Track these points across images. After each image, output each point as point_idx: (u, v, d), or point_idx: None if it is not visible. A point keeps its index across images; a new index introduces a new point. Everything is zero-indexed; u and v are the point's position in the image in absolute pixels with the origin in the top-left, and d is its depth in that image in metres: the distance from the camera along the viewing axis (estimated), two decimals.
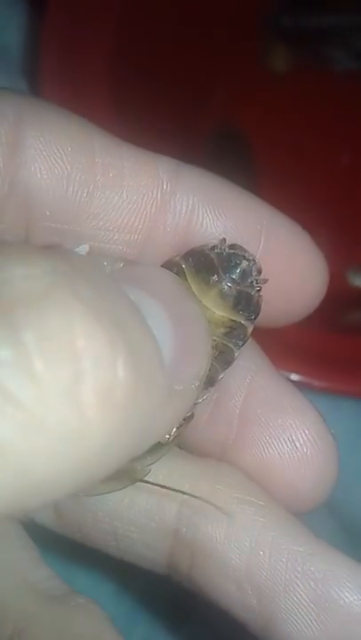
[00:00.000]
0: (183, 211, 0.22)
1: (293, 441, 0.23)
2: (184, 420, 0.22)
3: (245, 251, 0.22)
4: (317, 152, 0.53)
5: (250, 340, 0.24)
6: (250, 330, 0.23)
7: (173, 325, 0.18)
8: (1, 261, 0.14)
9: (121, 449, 0.15)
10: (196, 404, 0.22)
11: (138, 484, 0.22)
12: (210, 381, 0.22)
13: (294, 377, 0.40)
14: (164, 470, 0.23)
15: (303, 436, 0.23)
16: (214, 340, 0.22)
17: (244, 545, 0.22)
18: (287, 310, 0.24)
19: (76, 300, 0.14)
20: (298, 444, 0.23)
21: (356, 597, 0.21)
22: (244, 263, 0.22)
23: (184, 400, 0.19)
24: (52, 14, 0.43)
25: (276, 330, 0.24)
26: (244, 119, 0.54)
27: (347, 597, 0.21)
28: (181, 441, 0.24)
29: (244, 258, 0.22)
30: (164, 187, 0.22)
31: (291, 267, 0.23)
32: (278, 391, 0.23)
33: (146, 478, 0.22)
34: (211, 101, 0.54)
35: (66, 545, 0.26)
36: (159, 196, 0.22)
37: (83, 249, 0.20)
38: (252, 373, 0.24)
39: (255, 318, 0.22)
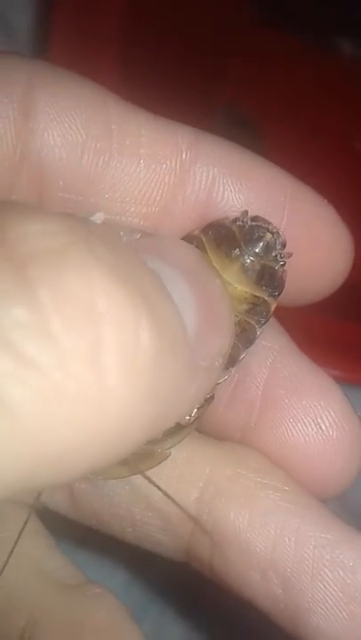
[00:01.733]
0: (203, 181, 0.21)
1: (319, 423, 0.22)
2: (205, 400, 0.21)
3: (269, 223, 0.21)
4: (330, 137, 0.52)
5: (272, 319, 0.23)
6: (273, 306, 0.22)
7: (196, 299, 0.17)
8: (15, 218, 0.13)
9: (143, 422, 0.14)
10: (217, 384, 0.21)
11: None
12: (231, 360, 0.21)
13: None
14: (183, 454, 0.22)
15: (329, 418, 0.22)
16: (236, 317, 0.21)
17: (268, 532, 0.21)
18: (311, 287, 0.23)
19: (94, 260, 0.13)
20: (323, 427, 0.22)
21: None
22: (268, 236, 0.21)
23: (208, 377, 0.17)
24: None
25: (288, 317, 0.24)
26: (255, 104, 0.53)
27: None
28: (201, 423, 0.23)
29: (268, 230, 0.21)
30: (184, 156, 0.21)
31: (316, 240, 0.22)
32: (302, 372, 0.22)
33: (164, 463, 0.21)
34: (220, 85, 0.53)
35: (77, 534, 0.25)
36: (178, 166, 0.21)
37: (98, 217, 0.19)
38: (274, 353, 0.22)
39: (279, 294, 0.21)
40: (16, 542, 0.21)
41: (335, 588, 0.20)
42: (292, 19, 0.54)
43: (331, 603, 0.20)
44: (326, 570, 0.20)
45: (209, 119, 0.51)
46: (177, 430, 0.21)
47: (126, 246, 0.16)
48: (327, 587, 0.20)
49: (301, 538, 0.20)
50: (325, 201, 0.23)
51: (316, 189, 0.24)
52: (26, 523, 0.21)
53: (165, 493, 0.20)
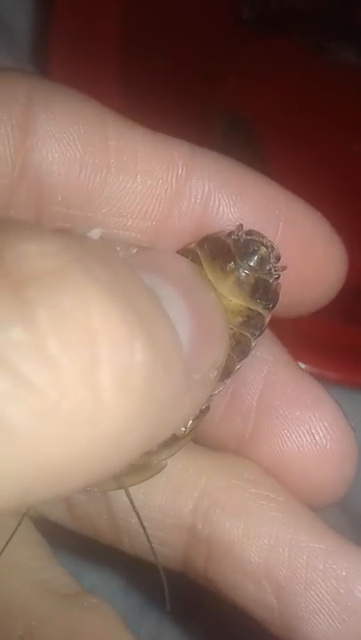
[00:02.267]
0: (199, 196, 0.21)
1: (313, 434, 0.22)
2: (200, 412, 0.22)
3: (263, 237, 0.21)
4: (328, 140, 0.52)
5: (267, 331, 0.23)
6: (267, 319, 0.22)
7: (190, 312, 0.18)
8: (12, 238, 0.14)
9: (138, 436, 0.14)
10: (212, 395, 0.22)
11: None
12: (226, 372, 0.22)
13: (307, 369, 0.39)
14: (179, 465, 0.22)
15: (322, 429, 0.22)
16: (231, 329, 0.21)
17: (262, 542, 0.21)
18: (305, 299, 0.23)
19: (90, 280, 0.14)
20: (317, 438, 0.22)
21: None
22: (263, 250, 0.21)
23: (202, 390, 0.18)
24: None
25: (288, 320, 0.24)
26: (253, 109, 0.53)
27: None
28: (197, 434, 0.23)
29: (262, 244, 0.21)
30: (180, 171, 0.21)
31: (310, 254, 0.22)
32: (297, 383, 0.22)
33: (160, 474, 0.22)
34: (218, 92, 0.53)
35: (75, 541, 0.25)
36: (174, 181, 0.21)
37: (95, 233, 0.19)
38: (269, 364, 0.23)
39: (273, 307, 0.22)
40: (3, 548, 0.21)
41: (328, 597, 0.20)
42: (292, 25, 0.54)
43: (324, 612, 0.20)
44: (319, 580, 0.20)
45: (208, 124, 0.51)
46: (173, 441, 0.21)
47: (122, 263, 0.16)
48: (320, 596, 0.20)
49: (295, 548, 0.21)
50: (319, 214, 0.23)
51: (316, 192, 0.24)
52: (15, 530, 0.21)
53: (138, 516, 0.21)
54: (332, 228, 0.23)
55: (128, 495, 0.20)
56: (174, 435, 0.21)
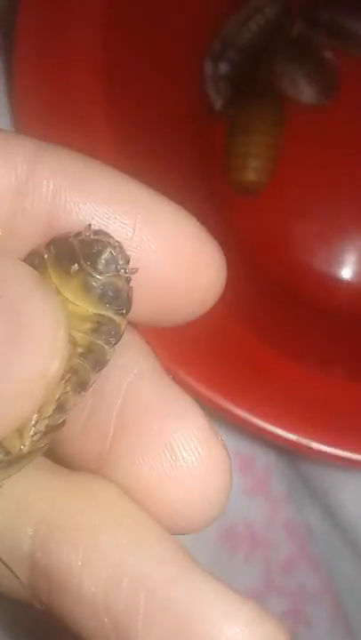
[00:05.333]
0: (44, 194, 0.20)
1: (174, 449, 0.20)
2: (50, 428, 0.20)
3: (110, 237, 0.20)
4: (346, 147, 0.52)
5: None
6: (123, 325, 0.20)
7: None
8: None
9: None
10: (67, 410, 0.20)
11: None
12: (81, 385, 0.20)
13: None
14: (24, 485, 0.20)
15: (187, 443, 0.20)
16: (81, 337, 0.20)
17: (102, 572, 0.19)
18: (175, 306, 0.21)
19: None
20: (179, 453, 0.20)
21: (232, 632, 0.18)
22: (108, 250, 0.19)
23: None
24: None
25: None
26: None
27: (218, 633, 0.18)
28: (54, 453, 0.21)
29: (109, 244, 0.20)
30: (19, 169, 0.20)
31: (173, 255, 0.20)
32: (160, 394, 0.21)
33: None
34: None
35: None
36: (13, 180, 0.20)
37: None
38: (132, 375, 0.21)
39: (127, 312, 0.20)
40: None
41: (170, 634, 0.18)
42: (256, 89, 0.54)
43: None
44: (160, 613, 0.18)
45: None
46: (11, 462, 0.19)
47: None
48: (160, 632, 0.18)
49: (136, 578, 0.18)
50: (186, 212, 0.21)
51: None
52: None
53: None
54: (202, 228, 0.21)
55: None
56: (9, 452, 0.19)
